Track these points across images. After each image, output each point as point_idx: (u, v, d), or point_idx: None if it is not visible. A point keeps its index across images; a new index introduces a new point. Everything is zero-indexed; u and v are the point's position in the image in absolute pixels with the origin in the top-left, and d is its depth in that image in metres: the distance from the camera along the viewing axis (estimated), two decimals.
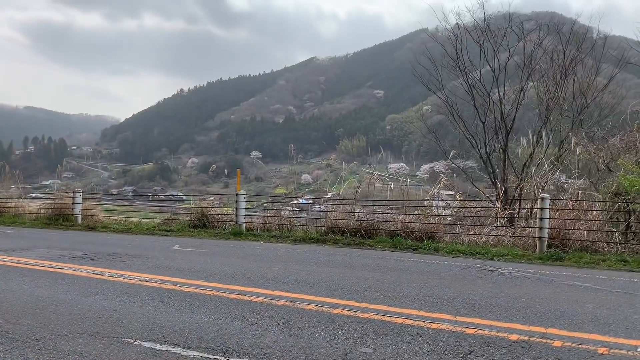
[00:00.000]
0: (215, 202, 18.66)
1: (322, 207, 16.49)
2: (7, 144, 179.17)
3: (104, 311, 5.44)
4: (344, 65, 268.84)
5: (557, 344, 4.42)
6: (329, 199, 16.09)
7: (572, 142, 13.82)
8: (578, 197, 11.98)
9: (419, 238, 11.53)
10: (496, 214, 12.64)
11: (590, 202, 11.58)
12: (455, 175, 20.28)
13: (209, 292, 6.40)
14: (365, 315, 5.31)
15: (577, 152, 13.68)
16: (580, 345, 4.37)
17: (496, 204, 13.23)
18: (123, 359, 4.02)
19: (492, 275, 7.87)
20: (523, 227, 11.67)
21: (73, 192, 17.79)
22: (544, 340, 4.50)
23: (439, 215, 13.51)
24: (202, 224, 14.70)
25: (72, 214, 17.04)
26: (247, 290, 6.54)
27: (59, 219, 17.20)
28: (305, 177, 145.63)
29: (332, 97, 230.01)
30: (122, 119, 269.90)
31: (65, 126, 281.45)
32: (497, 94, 14.60)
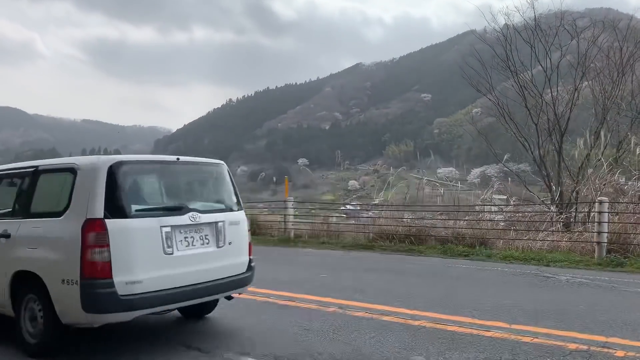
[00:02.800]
0: (264, 209, 18.88)
1: (370, 213, 16.38)
2: (66, 156, 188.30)
3: None
4: (390, 70, 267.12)
5: (620, 354, 4.23)
6: (376, 205, 15.98)
7: (632, 142, 13.22)
8: (639, 200, 11.44)
9: (470, 244, 11.27)
10: (551, 218, 12.21)
11: None
12: (508, 179, 19.75)
13: (260, 299, 6.49)
14: (417, 323, 5.25)
15: (638, 153, 13.08)
16: None
17: (551, 208, 12.80)
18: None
19: (548, 282, 7.61)
20: (580, 232, 11.23)
21: None
22: (606, 350, 4.32)
23: (491, 220, 13.19)
24: (251, 231, 14.88)
25: None
26: (297, 296, 6.59)
27: None
28: (352, 184, 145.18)
29: (378, 102, 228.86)
30: (174, 130, 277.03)
31: (120, 137, 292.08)
32: (549, 94, 14.14)
